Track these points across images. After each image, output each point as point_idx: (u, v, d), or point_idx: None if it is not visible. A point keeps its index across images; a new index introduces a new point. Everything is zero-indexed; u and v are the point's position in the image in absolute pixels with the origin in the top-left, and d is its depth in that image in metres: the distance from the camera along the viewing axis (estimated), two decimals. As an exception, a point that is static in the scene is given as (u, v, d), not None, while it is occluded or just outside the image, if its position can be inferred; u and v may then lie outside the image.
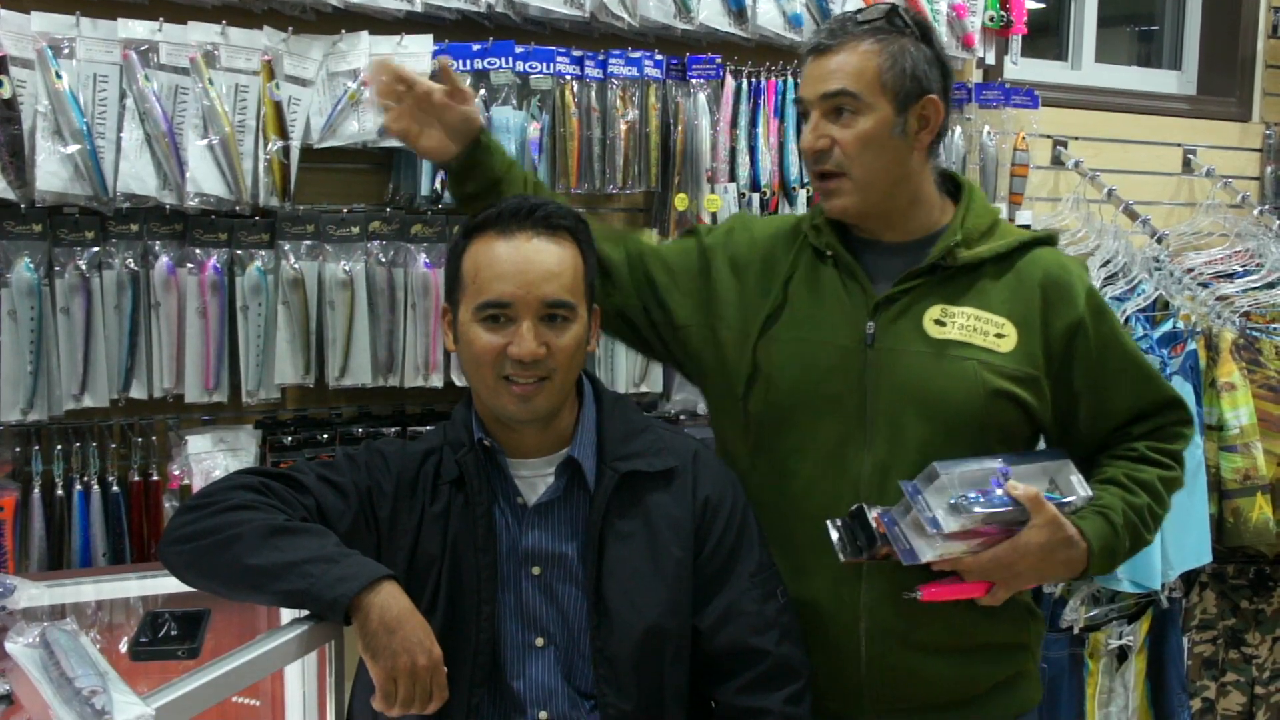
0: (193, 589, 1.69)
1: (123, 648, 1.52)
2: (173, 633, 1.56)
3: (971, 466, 1.80)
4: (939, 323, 1.92)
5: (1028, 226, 3.21)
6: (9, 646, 1.39)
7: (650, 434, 1.90)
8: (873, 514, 1.78)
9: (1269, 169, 4.06)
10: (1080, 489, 1.91)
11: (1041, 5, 3.94)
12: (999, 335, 1.91)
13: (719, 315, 2.04)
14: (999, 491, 1.80)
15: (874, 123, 1.87)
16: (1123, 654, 3.39)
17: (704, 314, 2.06)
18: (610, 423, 1.88)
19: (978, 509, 1.75)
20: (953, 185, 2.04)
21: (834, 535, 1.81)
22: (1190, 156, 3.92)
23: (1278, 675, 3.61)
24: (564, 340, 1.78)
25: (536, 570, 1.83)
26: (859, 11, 1.94)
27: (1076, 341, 1.93)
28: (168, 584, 1.71)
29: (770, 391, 1.96)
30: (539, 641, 1.83)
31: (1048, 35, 4.05)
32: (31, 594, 1.57)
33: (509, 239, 1.78)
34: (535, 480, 1.85)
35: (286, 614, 1.67)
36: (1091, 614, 3.30)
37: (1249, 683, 3.54)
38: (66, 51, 2.35)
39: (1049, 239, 2.02)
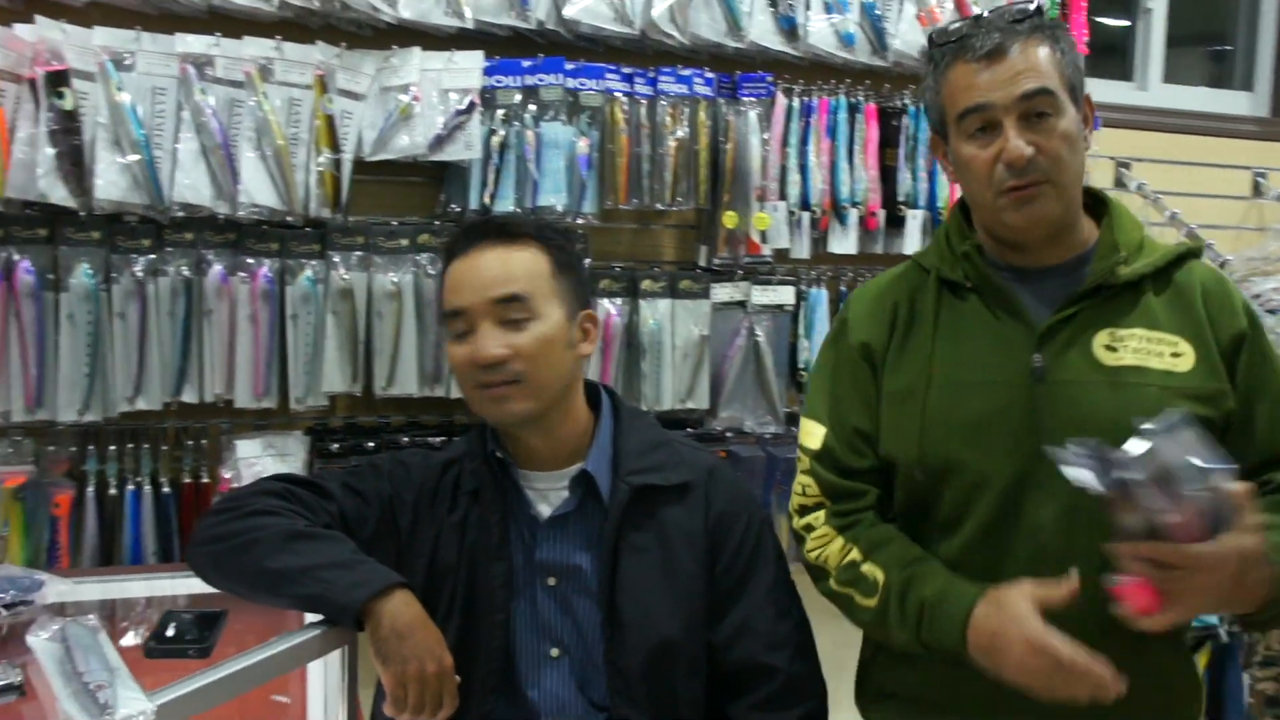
0: (217, 590, 1.74)
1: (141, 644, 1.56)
2: (187, 632, 1.61)
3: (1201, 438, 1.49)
4: (1110, 348, 1.74)
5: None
6: (30, 640, 1.45)
7: (666, 449, 1.91)
8: (1130, 449, 1.46)
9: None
10: None
11: (1120, 24, 3.90)
12: (1175, 354, 1.74)
13: (884, 395, 1.87)
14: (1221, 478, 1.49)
15: (1070, 121, 1.71)
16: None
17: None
18: (626, 436, 1.89)
19: (1215, 480, 1.45)
20: (1094, 201, 1.87)
21: (1079, 470, 1.49)
22: (1260, 180, 3.84)
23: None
24: (524, 339, 1.79)
25: (552, 581, 1.85)
26: (1006, 10, 1.76)
27: (1241, 355, 1.76)
28: (195, 585, 1.75)
29: (935, 445, 1.79)
30: (554, 652, 1.85)
31: (1115, 56, 4.00)
32: (59, 590, 1.63)
33: (465, 256, 1.83)
34: (549, 493, 1.87)
35: (310, 618, 1.70)
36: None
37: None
38: (127, 64, 2.43)
39: (1197, 251, 1.85)
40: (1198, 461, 1.44)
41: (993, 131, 1.71)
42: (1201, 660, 3.37)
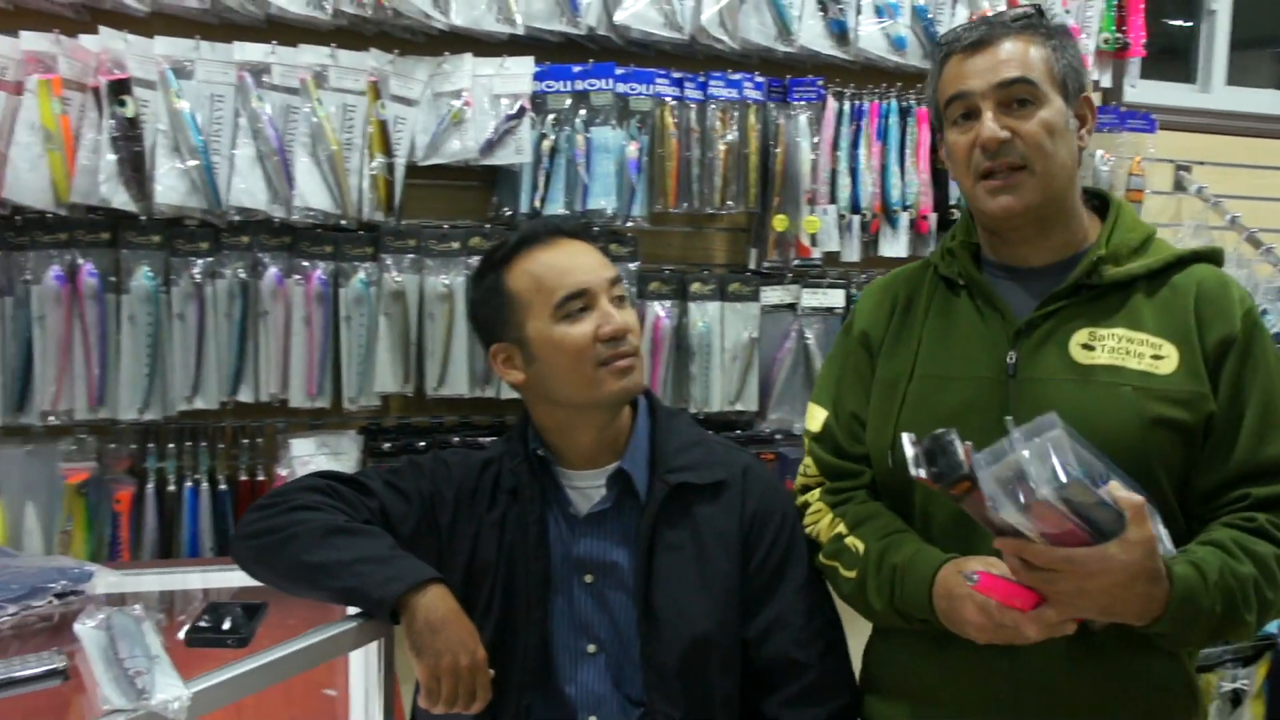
0: (260, 583, 1.79)
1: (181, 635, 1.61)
2: (228, 623, 1.65)
3: (1084, 448, 1.52)
4: (1086, 347, 1.75)
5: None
6: (76, 627, 1.50)
7: (702, 447, 1.93)
8: (965, 444, 1.52)
9: None
10: (1166, 543, 1.63)
11: (1183, 25, 3.87)
12: (1156, 357, 1.73)
13: (874, 383, 1.91)
14: (1101, 490, 1.51)
15: (1054, 112, 1.75)
16: (1237, 698, 3.28)
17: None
18: (663, 435, 1.92)
19: (1080, 486, 1.47)
20: (1099, 203, 1.90)
21: (909, 450, 1.55)
22: (1326, 184, 3.78)
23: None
24: (633, 318, 1.89)
25: (589, 578, 1.88)
26: (1003, 14, 1.84)
27: (1226, 361, 1.73)
28: (243, 578, 1.80)
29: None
30: (591, 648, 1.88)
31: (1177, 57, 3.96)
32: (109, 581, 1.68)
33: (552, 247, 1.87)
34: (589, 490, 1.90)
35: (350, 611, 1.74)
36: (1204, 654, 3.20)
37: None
38: (186, 73, 2.49)
39: (1212, 256, 1.85)
40: (1058, 468, 1.43)
41: (974, 118, 1.76)
42: (1261, 670, 3.33)
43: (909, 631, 1.80)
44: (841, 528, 1.86)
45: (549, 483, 1.91)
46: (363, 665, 1.86)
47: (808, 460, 1.98)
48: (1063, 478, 1.43)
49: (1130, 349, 1.74)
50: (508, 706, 1.83)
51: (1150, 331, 1.74)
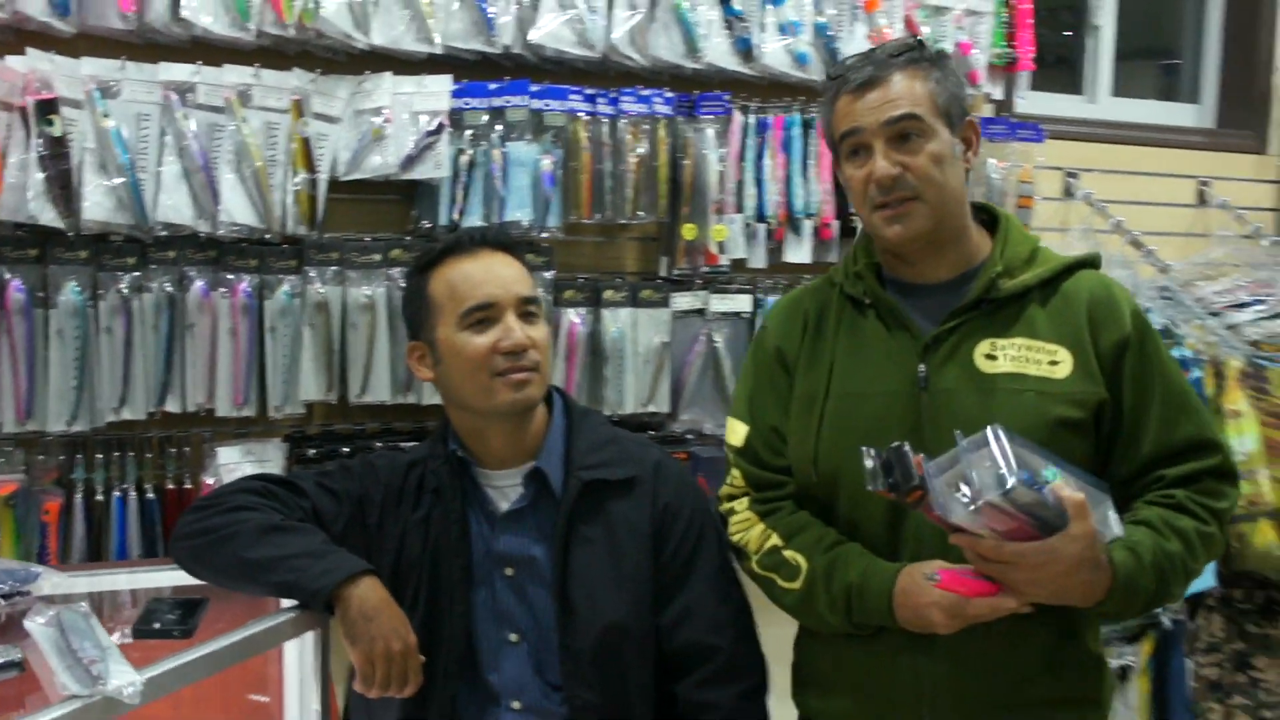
0: (199, 581, 1.88)
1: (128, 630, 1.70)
2: (171, 616, 1.74)
3: (1027, 450, 1.68)
4: (990, 357, 1.88)
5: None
6: (27, 624, 1.58)
7: (615, 445, 2.05)
8: (916, 456, 1.66)
9: (1287, 200, 4.12)
10: (1116, 527, 1.80)
11: (1070, 39, 4.06)
12: (1053, 362, 1.86)
13: (792, 399, 2.02)
14: (1046, 487, 1.67)
15: (941, 143, 1.86)
16: (1124, 674, 3.47)
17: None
18: (578, 434, 2.04)
19: (1022, 489, 1.61)
20: (987, 217, 2.02)
21: (868, 463, 1.68)
22: (1204, 188, 3.99)
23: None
24: (539, 333, 1.99)
25: (509, 572, 2.00)
26: (879, 48, 1.94)
27: (1125, 360, 1.88)
28: (179, 578, 1.89)
29: (828, 450, 1.93)
30: (513, 638, 2.00)
31: (1065, 69, 4.15)
32: (54, 581, 1.76)
33: (473, 257, 1.98)
34: (507, 489, 2.02)
35: (286, 604, 1.84)
36: (1091, 632, 3.37)
37: (1255, 706, 3.57)
38: (113, 92, 2.56)
39: (1092, 262, 1.99)
40: (1005, 472, 1.60)
41: (866, 154, 1.88)
42: (1145, 649, 3.51)
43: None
44: (776, 539, 1.96)
45: (469, 482, 2.02)
46: (297, 657, 1.95)
47: (734, 472, 2.07)
48: (1007, 483, 1.59)
49: (1029, 356, 1.87)
50: (435, 695, 1.94)
51: (1045, 339, 1.88)
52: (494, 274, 1.98)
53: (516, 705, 1.99)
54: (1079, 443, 1.85)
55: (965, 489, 1.62)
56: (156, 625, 1.72)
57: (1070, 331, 1.88)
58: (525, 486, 2.00)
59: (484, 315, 1.95)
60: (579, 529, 1.98)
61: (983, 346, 1.88)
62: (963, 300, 1.90)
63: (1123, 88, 4.18)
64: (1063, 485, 1.68)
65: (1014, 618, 1.76)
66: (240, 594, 1.85)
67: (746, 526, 2.01)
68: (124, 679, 1.41)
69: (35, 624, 1.56)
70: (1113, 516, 1.81)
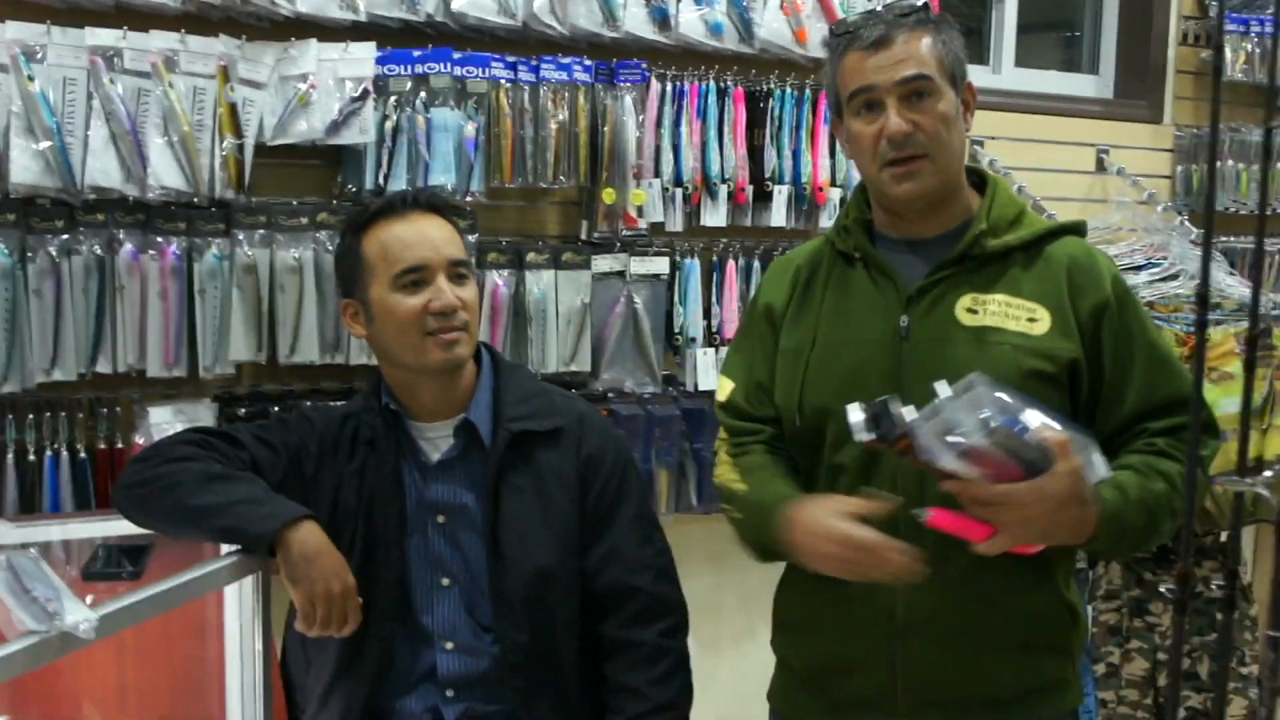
0: (142, 530, 1.96)
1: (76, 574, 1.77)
2: (120, 560, 1.82)
3: (1010, 397, 1.74)
4: (971, 311, 1.94)
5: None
6: (-23, 568, 1.65)
7: (542, 398, 2.15)
8: (901, 407, 1.74)
9: (1179, 169, 4.30)
10: (1101, 469, 1.86)
11: (969, 9, 4.20)
12: (1031, 319, 1.92)
13: (779, 352, 2.09)
14: (1030, 430, 1.73)
15: (947, 104, 1.91)
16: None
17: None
18: (506, 388, 2.13)
19: (1005, 432, 1.69)
20: (977, 179, 2.07)
21: (855, 416, 1.76)
22: (1103, 156, 4.15)
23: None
24: (469, 293, 2.07)
25: (441, 519, 2.09)
26: (886, 7, 1.97)
27: (1104, 323, 1.93)
28: (123, 527, 1.96)
29: (812, 396, 1.99)
30: (445, 582, 2.09)
31: (971, 40, 4.29)
32: (3, 529, 1.82)
33: (405, 219, 2.05)
34: (438, 440, 2.11)
35: (227, 549, 1.92)
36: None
37: (1152, 650, 3.72)
38: (38, 57, 2.57)
39: (1076, 228, 2.05)
40: (987, 416, 1.69)
41: (877, 110, 1.92)
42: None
43: (810, 576, 1.96)
44: (734, 475, 2.07)
45: (401, 434, 2.11)
46: (237, 604, 2.03)
47: (721, 428, 2.16)
48: (992, 424, 1.68)
49: (1009, 312, 1.93)
50: (372, 637, 2.03)
51: (1026, 297, 1.94)
52: (425, 236, 2.06)
53: (449, 646, 2.09)
54: (1052, 395, 1.90)
55: (950, 435, 1.70)
56: (106, 568, 1.79)
57: (1050, 292, 1.94)
58: (455, 438, 2.09)
59: (416, 277, 2.03)
60: (508, 478, 2.08)
61: (965, 300, 1.95)
62: (947, 255, 1.96)
63: (1026, 59, 4.32)
64: (1046, 428, 1.74)
65: (986, 564, 1.83)
66: (183, 541, 1.92)
67: (722, 470, 2.11)
68: (79, 615, 1.48)
69: (-11, 569, 1.63)
70: (1097, 459, 1.86)
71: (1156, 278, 3.79)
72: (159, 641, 2.07)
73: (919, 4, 1.95)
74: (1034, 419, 1.75)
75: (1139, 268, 3.83)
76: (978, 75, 4.13)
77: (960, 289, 1.96)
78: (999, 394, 1.73)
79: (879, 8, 2.02)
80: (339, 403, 2.82)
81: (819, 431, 2.00)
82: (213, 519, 1.87)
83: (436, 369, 2.05)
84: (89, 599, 1.62)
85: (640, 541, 2.13)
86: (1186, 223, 3.95)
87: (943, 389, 1.75)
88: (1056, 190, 3.98)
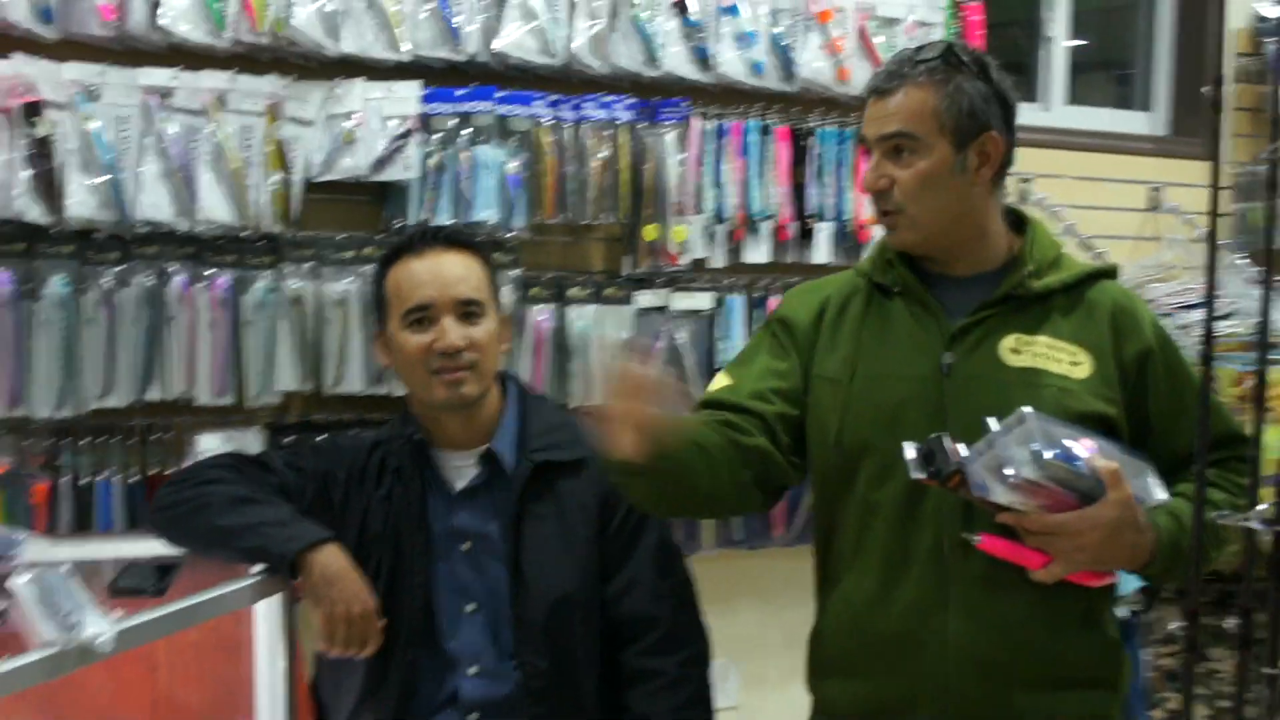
0: (174, 548, 2.02)
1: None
2: (146, 577, 1.88)
3: (1059, 428, 1.78)
4: (1015, 351, 1.93)
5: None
6: (9, 583, 1.71)
7: (566, 429, 2.19)
8: (954, 445, 1.77)
9: (1235, 206, 4.25)
10: (1159, 493, 1.87)
11: (1019, 46, 4.20)
12: (1074, 363, 1.93)
13: (813, 378, 2.06)
14: (1080, 460, 1.77)
15: (932, 163, 1.89)
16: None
17: (805, 384, 2.07)
18: (531, 418, 2.18)
19: (1057, 465, 1.73)
20: (1016, 219, 2.07)
21: (910, 454, 1.79)
22: (1156, 193, 4.13)
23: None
24: (479, 333, 2.11)
25: (466, 546, 2.13)
26: (919, 50, 1.96)
27: (1148, 370, 1.95)
28: (157, 548, 2.02)
29: (852, 430, 1.98)
30: (470, 608, 2.13)
31: (1022, 79, 4.29)
32: (39, 548, 1.88)
33: (421, 257, 2.11)
34: (463, 469, 2.16)
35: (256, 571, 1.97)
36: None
37: (1212, 696, 3.67)
38: (95, 96, 2.68)
39: (1111, 271, 2.06)
40: (1039, 449, 1.73)
41: (873, 159, 1.97)
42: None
43: (855, 616, 1.99)
44: None
45: (427, 463, 2.16)
46: (266, 624, 2.08)
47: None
48: (1044, 456, 1.72)
49: (1051, 355, 1.93)
50: (396, 661, 2.07)
51: (1068, 340, 1.94)
52: (437, 274, 2.11)
53: (473, 671, 2.12)
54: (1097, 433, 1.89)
55: (1002, 469, 1.74)
56: (131, 584, 1.85)
57: (1092, 338, 1.95)
58: (480, 467, 2.14)
59: (421, 315, 2.09)
60: (530, 506, 2.12)
61: (1008, 341, 1.94)
62: (993, 295, 1.95)
63: (1079, 96, 4.31)
64: (1097, 457, 1.78)
65: (1038, 600, 1.87)
66: (214, 561, 1.98)
67: None
68: (98, 628, 1.54)
69: (17, 583, 1.69)
70: (1153, 483, 1.88)
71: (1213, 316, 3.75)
72: (192, 660, 2.13)
73: (936, 53, 1.94)
74: (1085, 449, 1.79)
75: (1191, 306, 3.81)
76: (1027, 113, 4.15)
77: (1005, 329, 1.95)
78: (1049, 426, 1.76)
79: (910, 52, 2.01)
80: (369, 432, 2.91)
81: (855, 465, 2.00)
82: (239, 539, 1.93)
83: (442, 406, 2.11)
84: (118, 614, 1.69)
85: (661, 571, 2.16)
86: (1236, 260, 3.90)
87: (993, 424, 1.78)
88: (1108, 228, 3.96)
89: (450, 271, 2.12)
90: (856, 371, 2.00)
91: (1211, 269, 1.50)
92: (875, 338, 2.02)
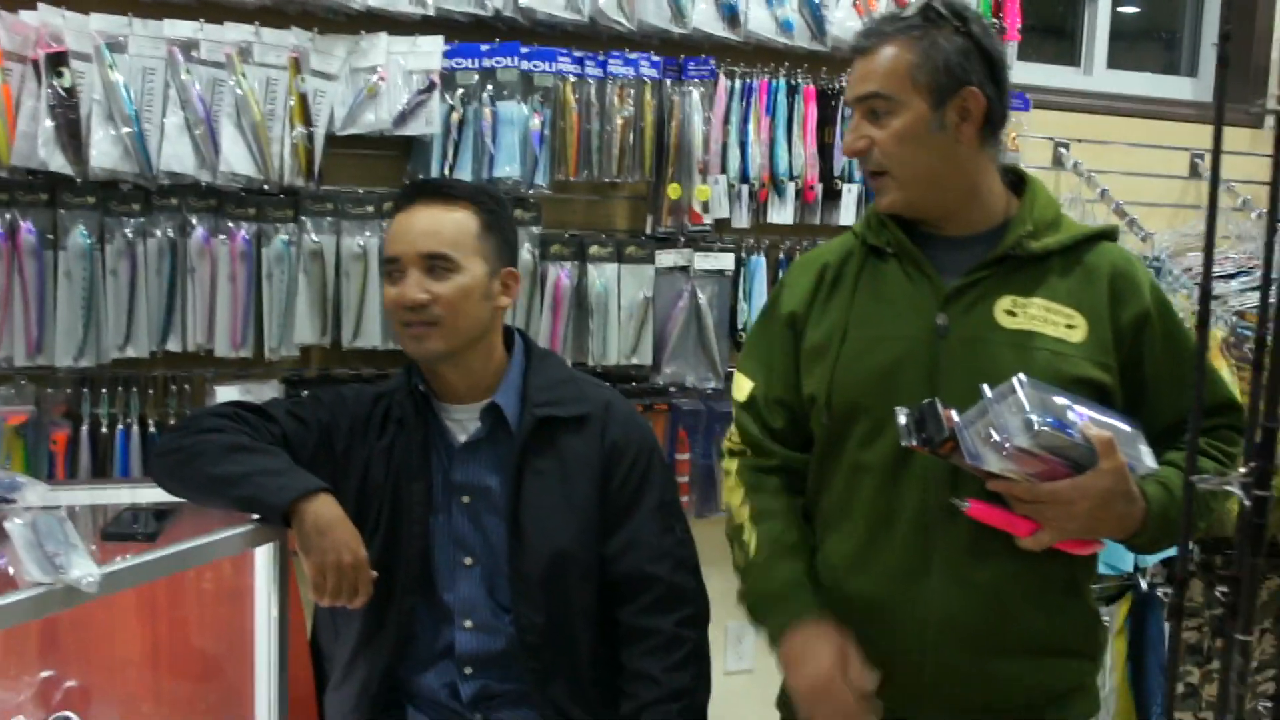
0: (173, 496, 2.04)
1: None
2: (140, 523, 1.90)
3: (1053, 396, 1.77)
4: (1010, 313, 1.90)
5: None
6: (4, 524, 1.74)
7: (570, 385, 2.19)
8: (946, 410, 1.76)
9: (1281, 174, 4.16)
10: (1149, 461, 1.86)
11: (1063, 8, 4.13)
12: (1070, 326, 1.90)
13: (802, 355, 2.07)
14: (1073, 428, 1.75)
15: (907, 121, 1.87)
16: (1102, 633, 3.55)
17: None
18: (535, 374, 2.17)
19: (1050, 433, 1.71)
20: (1016, 179, 2.03)
21: (901, 419, 1.78)
22: (1197, 161, 4.06)
23: (1265, 665, 3.72)
24: (445, 288, 2.09)
25: (466, 499, 2.14)
26: (897, 11, 1.95)
27: (1144, 334, 1.92)
28: (157, 495, 2.05)
29: (842, 391, 1.96)
30: (467, 561, 2.14)
31: (1065, 42, 4.22)
32: (39, 492, 1.91)
33: (409, 209, 2.11)
34: (466, 422, 2.16)
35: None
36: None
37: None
38: (120, 47, 2.69)
39: (1111, 233, 2.01)
40: (1033, 417, 1.70)
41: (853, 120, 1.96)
42: (1122, 610, 3.60)
43: (836, 590, 2.00)
44: (746, 514, 2.05)
45: (430, 415, 2.16)
46: (265, 569, 2.10)
47: (734, 427, 2.13)
48: (1033, 427, 1.69)
49: (1047, 318, 1.90)
50: (393, 609, 2.09)
51: (1064, 303, 1.91)
52: (412, 228, 2.11)
53: (468, 624, 2.14)
54: (1090, 398, 1.87)
55: (995, 436, 1.72)
56: (123, 530, 1.88)
57: (1089, 301, 1.91)
58: (482, 421, 2.14)
59: (392, 268, 2.10)
60: (531, 461, 2.12)
61: (1003, 302, 1.91)
62: (989, 255, 1.93)
63: (1123, 60, 4.23)
64: (1090, 425, 1.76)
65: (1017, 569, 1.87)
66: (212, 509, 2.00)
67: (731, 491, 2.11)
68: (83, 570, 1.56)
69: (13, 523, 1.72)
70: (1145, 451, 1.87)
71: (1248, 287, 3.69)
72: (194, 607, 2.16)
73: (918, 9, 1.91)
74: (1078, 417, 1.77)
75: (1230, 276, 3.74)
76: (1068, 77, 4.10)
77: (1000, 290, 1.93)
78: (1043, 394, 1.74)
79: (891, 13, 1.99)
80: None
81: (847, 427, 1.98)
82: (232, 488, 1.94)
83: (415, 358, 2.11)
84: (118, 559, 1.71)
85: (661, 530, 2.16)
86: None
87: (987, 391, 1.75)
88: (1147, 195, 3.90)
89: (422, 225, 2.11)
90: (848, 334, 1.99)
91: (1210, 230, 1.46)
92: (869, 299, 2.00)
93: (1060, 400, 1.77)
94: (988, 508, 1.83)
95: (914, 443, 1.77)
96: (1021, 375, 1.74)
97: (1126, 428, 1.86)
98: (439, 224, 2.11)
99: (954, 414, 1.76)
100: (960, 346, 1.91)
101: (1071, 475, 1.77)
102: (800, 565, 2.00)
